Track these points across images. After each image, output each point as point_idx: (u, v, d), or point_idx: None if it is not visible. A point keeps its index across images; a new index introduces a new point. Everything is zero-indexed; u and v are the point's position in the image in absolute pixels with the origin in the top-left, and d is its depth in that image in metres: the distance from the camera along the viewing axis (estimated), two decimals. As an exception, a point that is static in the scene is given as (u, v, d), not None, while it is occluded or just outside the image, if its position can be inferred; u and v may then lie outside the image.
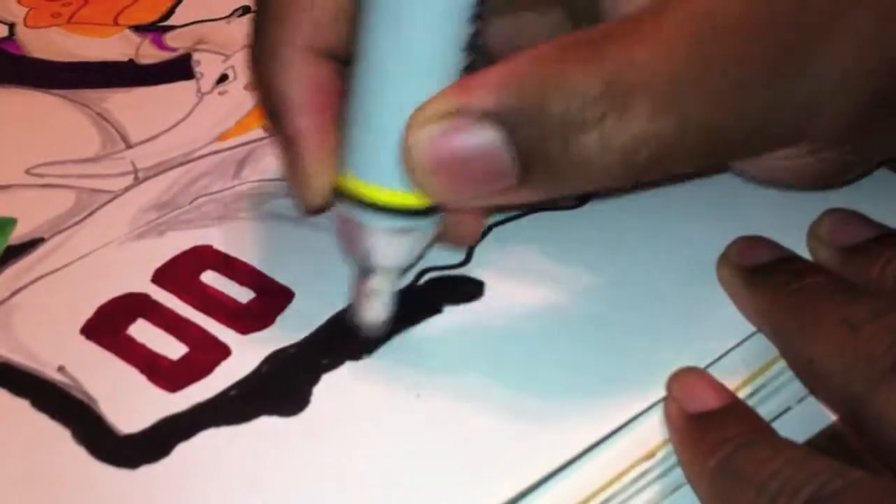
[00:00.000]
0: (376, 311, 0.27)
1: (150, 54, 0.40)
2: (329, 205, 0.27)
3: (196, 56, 0.39)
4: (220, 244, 0.31)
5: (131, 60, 0.39)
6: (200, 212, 0.32)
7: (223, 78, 0.38)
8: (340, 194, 0.25)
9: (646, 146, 0.23)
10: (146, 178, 0.33)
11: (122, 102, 0.37)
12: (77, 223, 0.32)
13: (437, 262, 0.30)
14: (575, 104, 0.22)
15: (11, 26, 0.42)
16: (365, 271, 0.26)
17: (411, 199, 0.24)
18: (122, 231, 0.31)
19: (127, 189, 0.33)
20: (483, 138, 0.23)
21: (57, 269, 0.30)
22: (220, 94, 0.37)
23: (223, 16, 0.41)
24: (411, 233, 0.25)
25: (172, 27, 0.41)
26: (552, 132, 0.23)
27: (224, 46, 0.40)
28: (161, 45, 0.40)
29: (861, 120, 0.25)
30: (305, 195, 0.27)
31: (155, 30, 0.41)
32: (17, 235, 0.31)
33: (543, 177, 0.23)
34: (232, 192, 0.33)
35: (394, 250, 0.26)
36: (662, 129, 0.23)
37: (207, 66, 0.39)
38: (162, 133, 0.35)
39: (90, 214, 0.32)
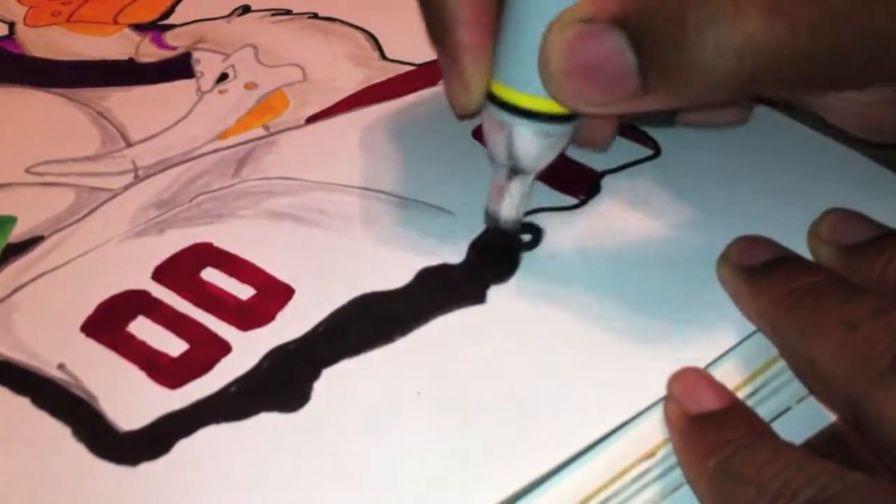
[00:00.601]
0: (513, 206, 0.30)
1: (150, 53, 0.40)
2: (479, 110, 0.30)
3: (196, 55, 0.39)
4: (220, 241, 0.31)
5: (131, 59, 0.39)
6: (201, 209, 0.32)
7: (223, 77, 0.38)
8: (492, 99, 0.29)
9: (757, 50, 0.24)
10: (146, 177, 0.33)
11: (123, 101, 0.37)
12: (77, 221, 0.32)
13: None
14: (690, 5, 0.24)
15: (11, 25, 0.42)
16: (508, 170, 0.30)
17: (553, 106, 0.27)
18: (121, 229, 0.31)
19: (127, 187, 0.33)
20: (609, 43, 0.24)
21: (57, 267, 0.30)
22: (221, 92, 0.37)
23: (223, 15, 0.41)
24: (551, 136, 0.28)
25: (172, 26, 0.41)
26: (669, 34, 0.24)
27: (224, 45, 0.40)
28: (161, 44, 0.40)
29: None
30: (463, 100, 0.29)
31: (155, 28, 0.41)
32: (17, 233, 0.31)
33: (662, 81, 0.24)
34: (232, 190, 0.33)
35: (535, 150, 0.29)
36: (774, 32, 0.24)
37: (207, 64, 0.39)
38: (162, 132, 0.35)
39: (90, 212, 0.32)
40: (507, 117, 0.28)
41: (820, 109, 0.30)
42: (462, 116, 0.31)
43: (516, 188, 0.30)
